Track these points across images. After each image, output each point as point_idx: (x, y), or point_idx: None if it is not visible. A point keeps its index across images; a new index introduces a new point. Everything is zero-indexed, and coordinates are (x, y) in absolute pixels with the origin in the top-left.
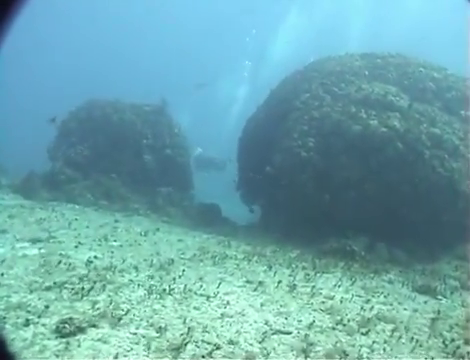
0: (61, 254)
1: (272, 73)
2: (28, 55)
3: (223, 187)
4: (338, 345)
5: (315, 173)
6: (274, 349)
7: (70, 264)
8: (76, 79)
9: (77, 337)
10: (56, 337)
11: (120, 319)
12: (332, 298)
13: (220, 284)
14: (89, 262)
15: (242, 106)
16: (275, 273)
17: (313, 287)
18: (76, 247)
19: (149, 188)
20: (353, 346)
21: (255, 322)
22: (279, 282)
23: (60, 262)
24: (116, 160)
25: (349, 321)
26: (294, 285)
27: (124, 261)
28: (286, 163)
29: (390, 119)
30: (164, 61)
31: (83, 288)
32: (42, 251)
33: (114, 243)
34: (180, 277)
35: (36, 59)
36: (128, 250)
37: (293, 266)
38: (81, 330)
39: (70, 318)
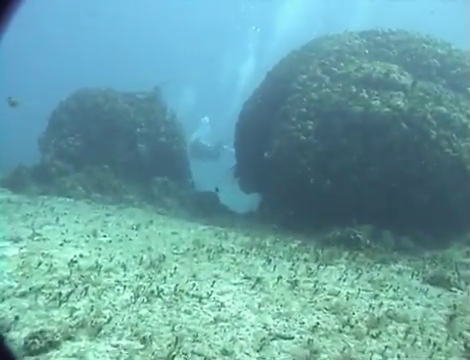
0: (43, 254)
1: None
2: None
3: (222, 173)
4: (346, 351)
5: (315, 157)
6: (274, 359)
7: (51, 265)
8: (67, 70)
9: (48, 354)
10: (23, 355)
11: (100, 329)
12: (337, 294)
13: (214, 282)
14: (73, 262)
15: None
16: (275, 267)
17: (316, 282)
18: (61, 245)
19: (144, 178)
20: (363, 352)
21: (252, 326)
22: (279, 278)
23: (40, 263)
24: (109, 150)
25: (357, 322)
26: (295, 281)
27: (112, 259)
28: (284, 148)
29: (393, 98)
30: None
31: (61, 293)
32: (23, 251)
33: (103, 239)
34: (171, 275)
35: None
36: (117, 246)
37: (294, 258)
38: (54, 345)
39: (41, 331)
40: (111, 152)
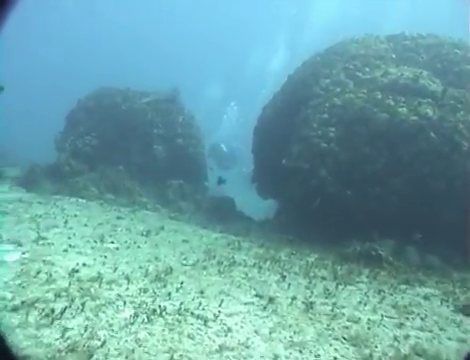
0: (45, 261)
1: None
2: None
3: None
4: None
5: (336, 166)
6: None
7: (51, 274)
8: (90, 69)
9: None
10: None
11: (92, 355)
12: (357, 321)
13: (223, 301)
14: (74, 271)
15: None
16: (289, 285)
17: (334, 305)
18: (65, 251)
19: (159, 180)
20: None
21: (261, 358)
22: (293, 298)
23: (40, 272)
24: (125, 150)
25: (380, 358)
26: (311, 302)
27: (116, 269)
28: (304, 155)
29: (421, 106)
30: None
31: (56, 309)
32: (24, 256)
33: (110, 245)
34: (177, 291)
35: (43, 48)
36: (124, 254)
37: (311, 275)
38: None
39: (25, 357)
40: (127, 152)
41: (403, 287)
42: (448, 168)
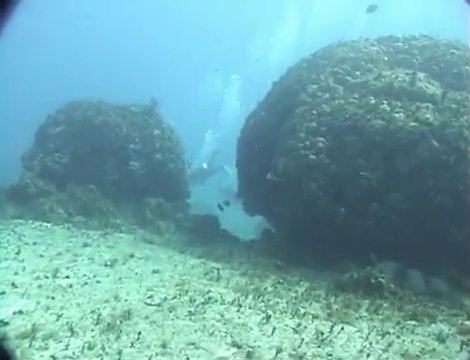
0: None
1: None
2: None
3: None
4: None
5: (327, 180)
6: None
7: None
8: (60, 81)
9: None
10: None
11: None
12: None
13: (189, 359)
14: (2, 323)
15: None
16: (274, 329)
17: (329, 357)
18: (2, 294)
19: (136, 199)
20: None
21: None
22: (279, 350)
23: None
24: (99, 168)
25: None
26: (301, 356)
27: (60, 316)
28: (291, 168)
29: (420, 111)
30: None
31: None
32: None
33: (64, 281)
34: (132, 345)
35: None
36: (77, 294)
37: (300, 313)
38: None
39: None
40: (101, 170)
41: (411, 324)
42: (454, 180)
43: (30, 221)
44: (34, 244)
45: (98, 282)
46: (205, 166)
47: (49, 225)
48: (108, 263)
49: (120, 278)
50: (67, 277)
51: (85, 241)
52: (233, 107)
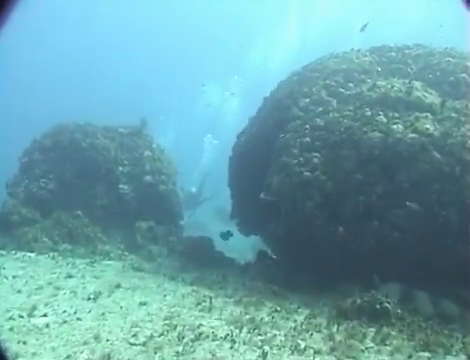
0: None
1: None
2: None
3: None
4: None
5: (323, 198)
6: None
7: None
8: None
9: None
10: None
11: None
12: None
13: None
14: None
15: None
16: None
17: None
18: None
19: (127, 224)
20: None
21: None
22: None
23: None
24: (87, 193)
25: None
26: None
27: None
28: (285, 187)
29: (419, 121)
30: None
31: None
32: None
33: (40, 321)
34: None
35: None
36: (53, 335)
37: (300, 347)
38: None
39: None
40: (89, 195)
41: (424, 356)
42: (459, 193)
43: (12, 252)
44: (13, 278)
45: (78, 319)
46: (194, 190)
47: (33, 255)
48: (91, 296)
49: (103, 313)
50: (44, 315)
51: (69, 272)
52: (232, 111)
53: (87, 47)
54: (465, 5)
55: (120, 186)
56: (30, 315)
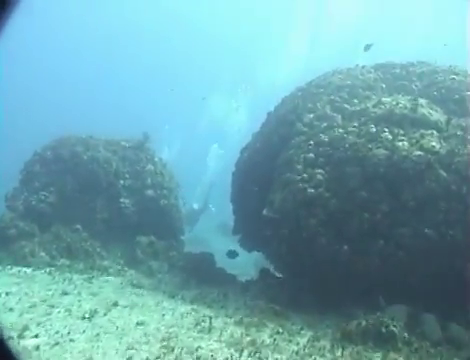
0: None
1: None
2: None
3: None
4: None
5: (327, 216)
6: None
7: None
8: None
9: None
10: None
11: None
12: None
13: None
14: None
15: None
16: None
17: None
18: None
19: (127, 238)
20: None
21: None
22: None
23: None
24: (87, 206)
25: None
26: None
27: None
28: (288, 203)
29: (425, 139)
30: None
31: None
32: None
33: (31, 342)
34: None
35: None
36: (43, 358)
37: None
38: None
39: None
40: (89, 208)
41: None
42: (466, 212)
43: (8, 267)
44: (7, 295)
45: (71, 341)
46: (196, 206)
47: (29, 271)
48: (87, 315)
49: (98, 334)
50: (36, 336)
51: (66, 288)
52: (239, 121)
53: (92, 56)
54: None
55: (121, 200)
56: (20, 336)
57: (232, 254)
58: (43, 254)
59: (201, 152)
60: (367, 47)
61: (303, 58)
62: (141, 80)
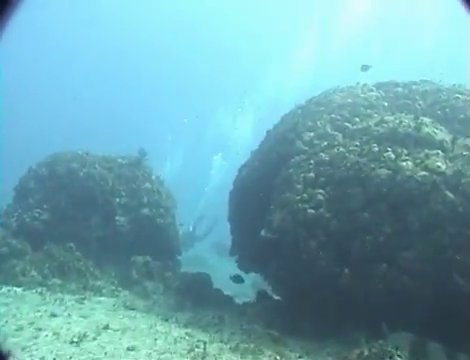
0: None
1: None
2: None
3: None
4: None
5: (328, 237)
6: None
7: None
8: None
9: None
10: None
11: None
12: None
13: None
14: None
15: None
16: None
17: None
18: None
19: (122, 258)
20: None
21: None
22: None
23: None
24: (82, 224)
25: None
26: None
27: None
28: (287, 224)
29: (430, 159)
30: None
31: None
32: None
33: None
34: None
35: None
36: None
37: None
38: None
39: None
40: (83, 227)
41: None
42: None
43: None
44: None
45: None
46: (191, 229)
47: (19, 290)
48: (75, 339)
49: None
50: None
51: (55, 309)
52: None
53: (92, 64)
54: (465, 7)
55: (116, 218)
56: None
57: (237, 279)
58: (35, 273)
59: (205, 163)
60: (365, 68)
61: (310, 70)
62: (144, 88)
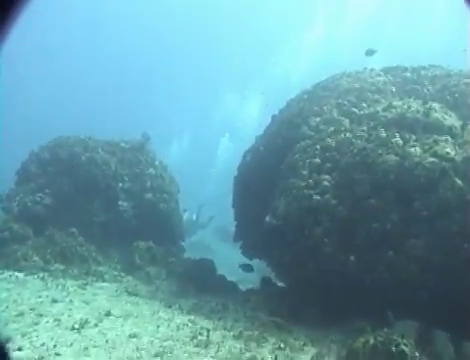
0: None
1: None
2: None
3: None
4: None
5: (334, 224)
6: None
7: None
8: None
9: None
10: None
11: None
12: None
13: None
14: None
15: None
16: None
17: None
18: None
19: (124, 243)
20: None
21: None
22: None
23: None
24: (84, 209)
25: None
26: None
27: None
28: (292, 210)
29: (439, 145)
30: None
31: None
32: None
33: (13, 355)
34: None
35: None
36: None
37: None
38: None
39: None
40: (86, 211)
41: None
42: None
43: (0, 271)
44: None
45: (57, 355)
46: (194, 217)
47: (21, 275)
48: (76, 326)
49: (86, 347)
50: (19, 349)
51: (56, 295)
52: (250, 115)
53: (102, 50)
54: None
55: (119, 203)
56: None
57: (247, 268)
58: (36, 258)
59: (212, 144)
60: (370, 52)
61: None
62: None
